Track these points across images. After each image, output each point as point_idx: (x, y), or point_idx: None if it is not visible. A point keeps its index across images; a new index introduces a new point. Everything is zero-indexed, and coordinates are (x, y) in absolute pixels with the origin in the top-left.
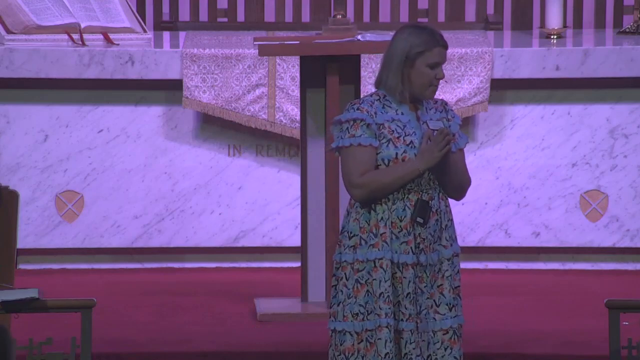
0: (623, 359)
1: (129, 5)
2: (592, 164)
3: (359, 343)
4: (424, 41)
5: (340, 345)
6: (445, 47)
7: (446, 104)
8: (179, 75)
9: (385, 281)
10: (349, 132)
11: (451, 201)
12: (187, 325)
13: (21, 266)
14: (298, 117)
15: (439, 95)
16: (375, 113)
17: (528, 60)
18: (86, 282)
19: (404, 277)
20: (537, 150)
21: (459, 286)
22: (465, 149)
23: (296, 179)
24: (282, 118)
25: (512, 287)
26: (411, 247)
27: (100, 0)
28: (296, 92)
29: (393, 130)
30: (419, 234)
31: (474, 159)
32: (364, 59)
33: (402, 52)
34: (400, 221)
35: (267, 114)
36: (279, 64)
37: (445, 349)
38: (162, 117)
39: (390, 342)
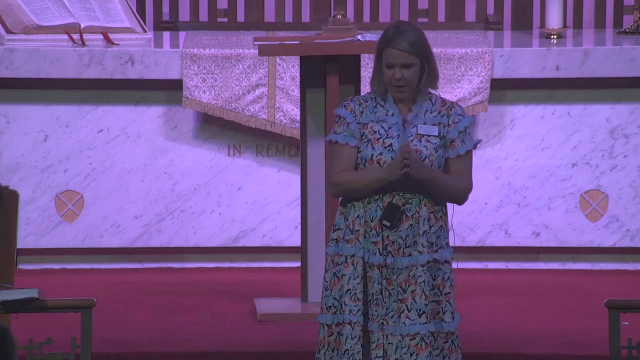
0: (623, 359)
1: (129, 5)
2: (592, 164)
3: (329, 336)
4: (381, 41)
5: (318, 337)
6: (398, 48)
7: (453, 107)
8: (179, 75)
9: (355, 278)
10: (334, 128)
11: None
12: (187, 325)
13: (21, 266)
14: (298, 117)
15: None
16: (362, 112)
17: (528, 60)
18: (86, 282)
19: (371, 277)
20: (537, 150)
21: (449, 292)
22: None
23: (296, 179)
24: (282, 118)
25: (512, 287)
26: (379, 248)
27: (100, 0)
28: (296, 92)
29: (375, 131)
30: (387, 236)
31: (474, 159)
32: (364, 59)
33: (376, 52)
34: (372, 221)
35: (267, 114)
36: (279, 64)
37: (411, 355)
38: (162, 117)
39: (352, 339)
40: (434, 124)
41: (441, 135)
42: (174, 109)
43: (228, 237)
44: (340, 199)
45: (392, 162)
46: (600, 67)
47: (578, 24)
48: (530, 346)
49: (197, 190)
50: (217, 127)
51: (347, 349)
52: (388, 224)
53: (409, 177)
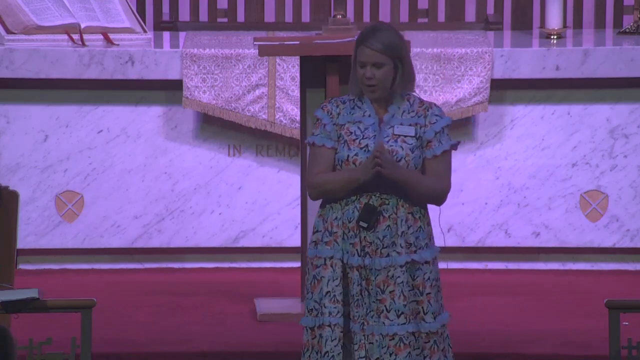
0: (623, 359)
1: (129, 5)
2: (592, 164)
3: (312, 339)
4: (357, 39)
5: (303, 339)
6: (370, 47)
7: (430, 108)
8: (179, 75)
9: (334, 280)
10: (312, 130)
11: (450, 201)
12: (187, 325)
13: (21, 266)
14: (298, 117)
15: (440, 94)
16: (339, 114)
17: (528, 60)
18: (86, 282)
19: (351, 279)
20: (537, 150)
21: (429, 293)
22: (464, 150)
23: (296, 179)
24: (282, 118)
25: (512, 287)
26: (357, 250)
27: (100, 0)
28: (296, 92)
29: (352, 132)
30: (365, 237)
31: (474, 159)
32: None
33: (353, 51)
34: (349, 223)
35: (267, 114)
36: (279, 64)
37: (391, 355)
38: (162, 117)
39: (332, 341)
40: (410, 125)
41: (417, 135)
42: (174, 109)
43: (228, 237)
44: (320, 201)
45: (365, 162)
46: (600, 67)
47: (578, 24)
48: (530, 346)
49: (197, 190)
50: (217, 127)
51: (327, 351)
52: (365, 225)
53: (383, 177)
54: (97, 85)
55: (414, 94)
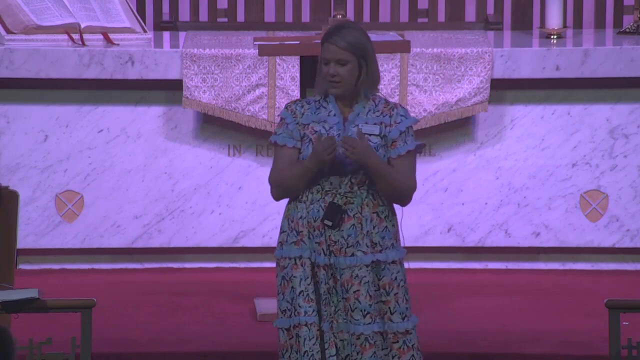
0: (623, 359)
1: (129, 5)
2: (592, 164)
3: (290, 339)
4: (323, 36)
5: (279, 341)
6: (335, 44)
7: (396, 108)
8: (179, 75)
9: (305, 279)
10: (275, 130)
11: (450, 201)
12: (187, 325)
13: (21, 266)
14: None
15: (440, 94)
16: (303, 114)
17: (528, 60)
18: (86, 282)
19: (319, 278)
20: (537, 150)
21: (397, 293)
22: (464, 150)
23: None
24: None
25: (512, 287)
26: (322, 249)
27: (100, 0)
28: (296, 92)
29: (316, 131)
30: (330, 236)
31: (474, 159)
32: None
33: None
34: (315, 222)
35: (267, 114)
36: (279, 64)
37: (358, 353)
38: (162, 117)
39: (310, 339)
40: (375, 124)
41: (382, 134)
42: (174, 109)
43: (228, 237)
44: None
45: (316, 150)
46: (600, 67)
47: (578, 24)
48: (530, 346)
49: (197, 190)
50: (217, 127)
51: (306, 350)
52: (330, 224)
53: (342, 164)
54: (97, 85)
55: (379, 94)
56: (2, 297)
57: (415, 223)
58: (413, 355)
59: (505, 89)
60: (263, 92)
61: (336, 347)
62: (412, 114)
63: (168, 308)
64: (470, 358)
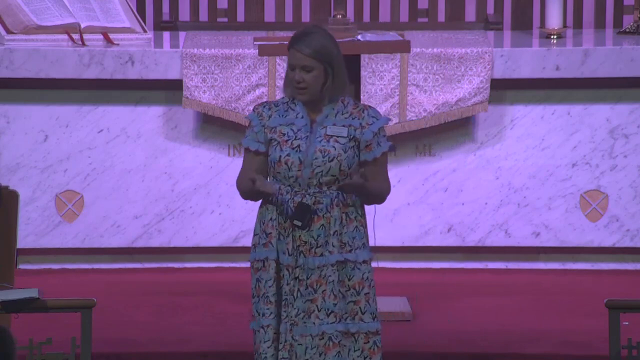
0: (623, 359)
1: (129, 5)
2: (592, 164)
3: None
4: (289, 42)
5: (254, 344)
6: (299, 51)
7: (366, 109)
8: (179, 75)
9: (267, 281)
10: (246, 132)
11: (450, 201)
12: (187, 325)
13: (21, 266)
14: None
15: (440, 94)
16: (270, 116)
17: (528, 60)
18: (86, 282)
19: (284, 278)
20: (537, 150)
21: (368, 293)
22: (464, 149)
23: None
24: None
25: (512, 287)
26: (288, 249)
27: (100, 0)
28: None
29: (284, 134)
30: (299, 236)
31: (474, 159)
32: (364, 59)
33: None
34: (284, 222)
35: None
36: (279, 64)
37: (320, 355)
38: (162, 117)
39: (265, 342)
40: (344, 125)
41: (351, 136)
42: (174, 109)
43: (228, 237)
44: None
45: (265, 190)
46: (600, 67)
47: (578, 24)
48: (530, 346)
49: (197, 190)
50: (217, 127)
51: (260, 353)
52: (299, 224)
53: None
54: (97, 85)
55: (348, 97)
56: (2, 297)
57: (415, 223)
58: (382, 355)
59: (505, 89)
60: (263, 92)
61: (296, 353)
62: (412, 114)
63: (168, 308)
64: (470, 358)
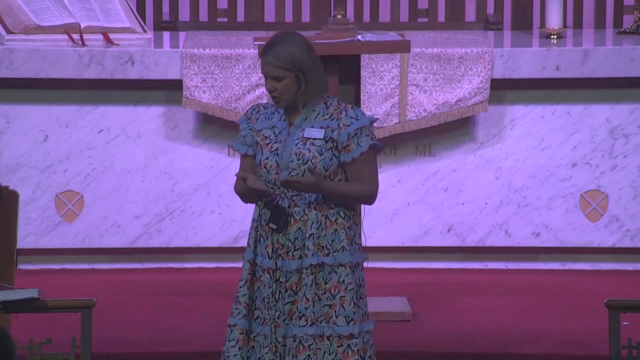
0: (623, 359)
1: (129, 5)
2: (592, 164)
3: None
4: (260, 51)
5: None
6: (265, 61)
7: (345, 110)
8: (179, 75)
9: (240, 282)
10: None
11: (450, 201)
12: (187, 325)
13: (21, 266)
14: None
15: (440, 94)
16: (258, 119)
17: (528, 60)
18: (86, 282)
19: (262, 281)
20: (537, 150)
21: (344, 296)
22: (464, 150)
23: None
24: None
25: (512, 287)
26: (268, 252)
27: (100, 0)
28: None
29: (267, 137)
30: (277, 239)
31: (474, 159)
32: (364, 59)
33: None
34: (266, 225)
35: None
36: None
37: (293, 357)
38: (162, 117)
39: (230, 341)
40: (321, 127)
41: (327, 138)
42: (174, 109)
43: (228, 237)
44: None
45: (252, 188)
46: (600, 67)
47: (578, 24)
48: (530, 346)
49: (197, 190)
50: (217, 127)
51: (223, 351)
52: (275, 227)
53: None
54: (97, 85)
55: (333, 97)
56: (2, 297)
57: (415, 223)
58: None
59: (505, 89)
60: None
61: (280, 354)
62: (412, 114)
63: (168, 308)
64: (470, 358)
